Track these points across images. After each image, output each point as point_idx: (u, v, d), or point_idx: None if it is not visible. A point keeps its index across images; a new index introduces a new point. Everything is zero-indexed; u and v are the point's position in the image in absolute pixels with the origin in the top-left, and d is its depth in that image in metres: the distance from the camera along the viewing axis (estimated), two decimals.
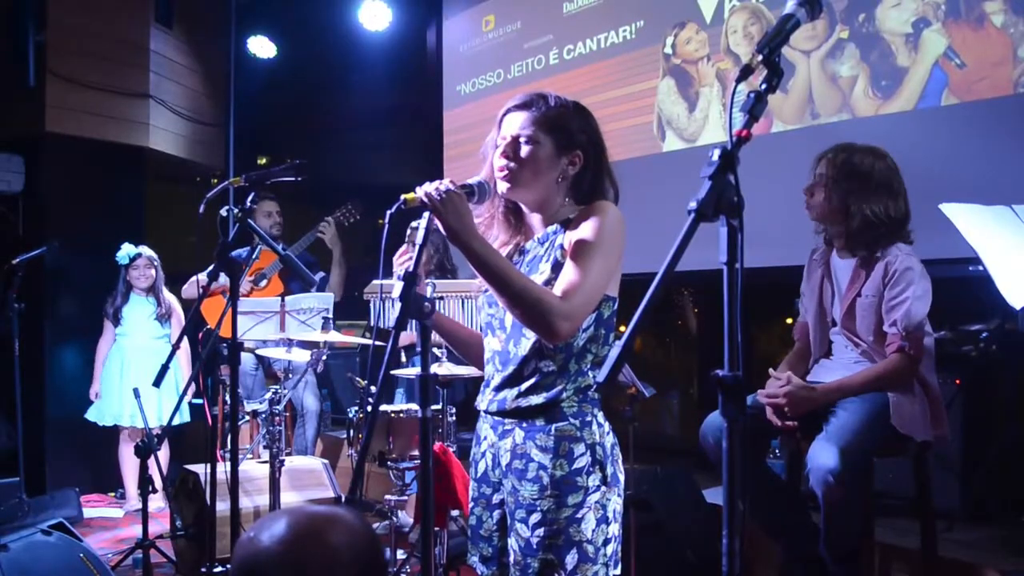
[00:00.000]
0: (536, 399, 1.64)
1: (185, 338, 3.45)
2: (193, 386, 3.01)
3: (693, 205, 1.11)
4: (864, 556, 2.63)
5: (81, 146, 5.47)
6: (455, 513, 3.05)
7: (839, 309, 2.61)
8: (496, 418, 1.72)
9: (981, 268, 2.38)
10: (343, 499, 3.53)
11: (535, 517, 1.62)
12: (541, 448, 1.63)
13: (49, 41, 5.31)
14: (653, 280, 1.11)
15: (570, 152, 1.69)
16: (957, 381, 3.23)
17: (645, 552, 2.77)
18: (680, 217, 1.10)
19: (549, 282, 1.62)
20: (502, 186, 1.69)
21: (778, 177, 3.43)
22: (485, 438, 1.76)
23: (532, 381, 1.65)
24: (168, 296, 4.84)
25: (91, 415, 4.79)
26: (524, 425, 1.66)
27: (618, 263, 1.65)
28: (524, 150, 1.67)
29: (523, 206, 1.76)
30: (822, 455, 2.33)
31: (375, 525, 3.58)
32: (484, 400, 1.75)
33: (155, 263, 4.79)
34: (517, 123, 1.68)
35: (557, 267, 1.63)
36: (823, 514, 2.40)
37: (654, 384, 2.76)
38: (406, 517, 3.79)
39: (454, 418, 3.33)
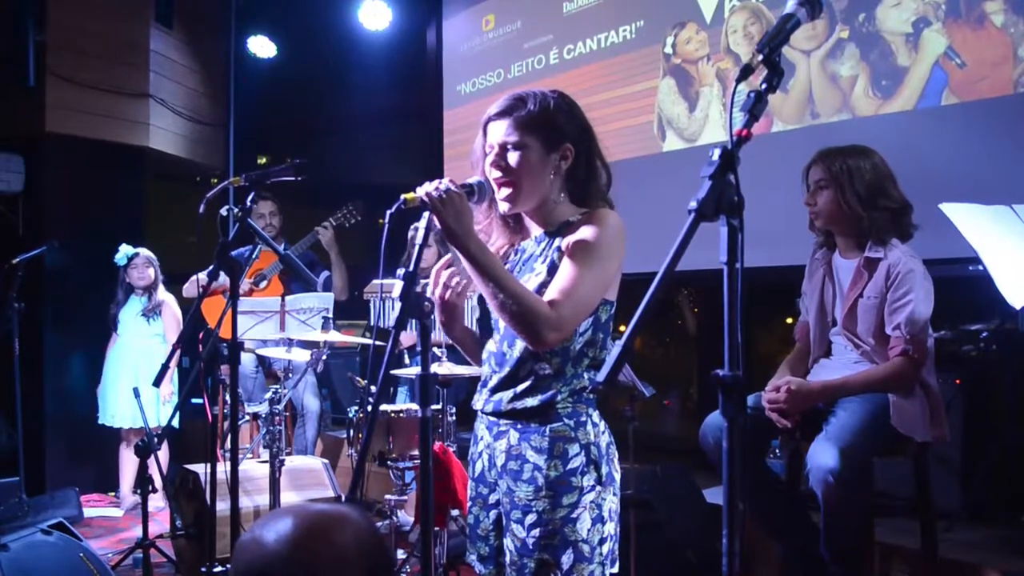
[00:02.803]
0: (531, 401, 1.64)
1: None
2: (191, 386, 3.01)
3: (693, 205, 1.11)
4: (864, 556, 2.63)
5: (81, 146, 5.48)
6: (455, 513, 3.05)
7: (840, 310, 2.61)
8: (492, 419, 1.73)
9: (981, 268, 2.38)
10: (343, 499, 3.53)
11: (531, 518, 1.62)
12: (536, 449, 1.64)
13: (49, 41, 5.32)
14: (653, 280, 1.11)
15: (560, 147, 1.68)
16: (957, 381, 3.23)
17: (645, 552, 2.77)
18: (680, 217, 1.10)
19: (544, 284, 1.62)
20: (503, 206, 1.70)
21: (778, 177, 3.43)
22: (481, 438, 1.76)
23: (528, 383, 1.65)
24: (162, 295, 4.83)
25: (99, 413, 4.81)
26: (519, 426, 1.67)
27: (616, 271, 1.65)
28: (513, 157, 1.66)
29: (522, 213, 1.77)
30: (822, 455, 2.33)
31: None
32: (480, 400, 1.75)
33: (153, 263, 4.79)
34: (501, 131, 1.67)
35: (553, 269, 1.63)
36: (823, 514, 2.40)
37: (654, 384, 2.76)
38: (406, 517, 3.79)
39: (454, 418, 3.33)
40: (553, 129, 1.67)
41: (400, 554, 3.39)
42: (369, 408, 3.24)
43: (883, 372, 2.47)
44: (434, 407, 2.91)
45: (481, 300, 1.72)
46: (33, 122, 5.34)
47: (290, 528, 0.99)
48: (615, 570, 1.67)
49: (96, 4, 5.57)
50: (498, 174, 1.67)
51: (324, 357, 3.63)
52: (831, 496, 2.32)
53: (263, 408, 3.44)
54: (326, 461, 3.93)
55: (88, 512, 4.69)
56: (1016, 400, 3.27)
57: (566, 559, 1.60)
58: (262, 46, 6.50)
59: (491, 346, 1.73)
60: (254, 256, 3.72)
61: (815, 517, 2.52)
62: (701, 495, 3.24)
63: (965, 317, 3.29)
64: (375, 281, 3.84)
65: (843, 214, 2.55)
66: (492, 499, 1.73)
